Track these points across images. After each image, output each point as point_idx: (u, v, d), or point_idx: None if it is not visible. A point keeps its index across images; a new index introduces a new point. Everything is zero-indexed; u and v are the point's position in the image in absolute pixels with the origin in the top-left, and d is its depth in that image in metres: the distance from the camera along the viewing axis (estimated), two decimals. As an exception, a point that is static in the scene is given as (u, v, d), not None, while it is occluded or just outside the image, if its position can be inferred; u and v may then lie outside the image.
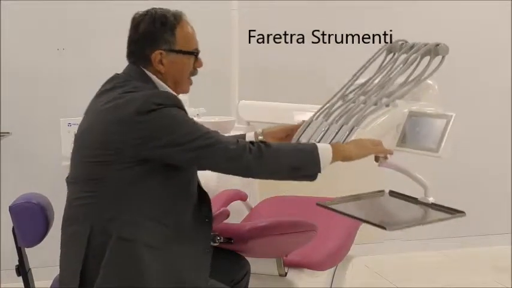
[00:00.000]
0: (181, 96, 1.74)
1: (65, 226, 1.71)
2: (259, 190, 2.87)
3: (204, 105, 2.66)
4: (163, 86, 1.73)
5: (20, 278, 1.89)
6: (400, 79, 1.97)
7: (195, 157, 1.63)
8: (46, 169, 3.06)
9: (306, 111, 2.67)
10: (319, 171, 1.69)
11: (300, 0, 3.34)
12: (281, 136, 2.04)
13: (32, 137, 3.11)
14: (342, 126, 1.87)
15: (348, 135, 1.82)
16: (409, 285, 3.21)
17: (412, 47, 1.98)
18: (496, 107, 3.72)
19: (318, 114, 2.03)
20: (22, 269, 1.85)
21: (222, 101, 2.92)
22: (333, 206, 1.88)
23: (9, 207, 1.81)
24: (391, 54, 2.07)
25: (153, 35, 1.71)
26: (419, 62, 1.95)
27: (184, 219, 1.70)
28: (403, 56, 1.99)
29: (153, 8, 1.75)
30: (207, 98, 2.72)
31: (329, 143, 1.76)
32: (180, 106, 1.65)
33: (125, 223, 1.62)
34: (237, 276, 1.96)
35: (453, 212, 1.79)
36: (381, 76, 2.02)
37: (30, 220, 1.78)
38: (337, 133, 1.85)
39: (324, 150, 1.71)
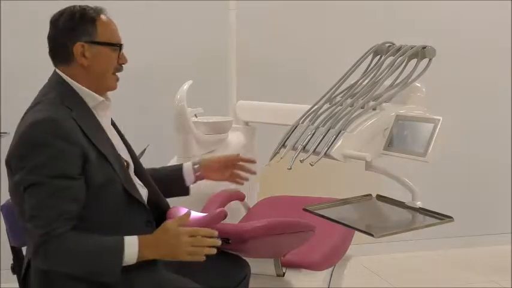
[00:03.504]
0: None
1: None
2: (257, 190, 2.87)
3: (201, 106, 2.65)
4: (82, 90, 1.70)
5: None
6: (387, 82, 1.96)
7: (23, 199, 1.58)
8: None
9: (303, 111, 2.67)
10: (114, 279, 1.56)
11: (298, 0, 3.34)
12: (218, 167, 2.05)
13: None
14: (329, 130, 1.86)
15: (335, 139, 1.81)
16: (407, 285, 3.21)
17: (399, 49, 1.98)
18: (496, 105, 3.72)
19: (303, 117, 2.02)
20: (17, 268, 1.84)
21: (220, 101, 2.91)
22: (321, 212, 1.87)
23: (1, 206, 1.81)
24: (378, 57, 2.07)
25: (73, 28, 1.69)
26: (406, 64, 1.94)
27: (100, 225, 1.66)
28: (390, 59, 1.98)
29: (72, 5, 1.73)
30: (205, 98, 2.72)
31: (137, 240, 1.58)
32: (59, 136, 1.58)
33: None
34: (236, 278, 1.95)
35: (441, 217, 1.78)
36: (368, 79, 2.01)
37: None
38: (323, 137, 1.85)
39: (129, 255, 1.57)
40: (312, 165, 1.78)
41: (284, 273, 2.11)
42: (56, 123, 1.60)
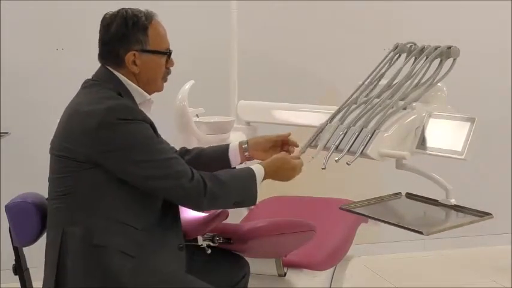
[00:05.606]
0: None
1: (47, 228, 1.74)
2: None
3: (203, 105, 2.66)
4: (132, 86, 1.73)
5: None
6: (412, 82, 1.96)
7: (147, 185, 1.64)
8: (45, 169, 3.05)
9: (305, 111, 2.68)
10: (254, 203, 1.78)
11: (300, 0, 3.34)
12: (266, 147, 1.99)
13: (31, 137, 3.11)
14: (362, 129, 1.85)
15: (370, 138, 1.81)
16: (408, 285, 3.21)
17: (422, 49, 1.97)
18: (495, 106, 3.72)
19: (331, 117, 2.01)
20: (19, 269, 1.85)
21: (221, 101, 2.92)
22: (358, 210, 1.87)
23: (5, 206, 1.81)
24: (398, 56, 2.06)
25: (125, 36, 1.71)
26: (430, 64, 1.94)
27: (153, 221, 1.70)
28: (413, 59, 1.98)
29: (123, 8, 1.74)
30: (206, 98, 2.72)
31: (262, 166, 1.80)
32: (141, 119, 1.65)
33: (95, 229, 1.63)
34: (236, 276, 1.96)
35: (480, 214, 1.79)
36: (395, 79, 2.00)
37: (24, 219, 1.78)
38: (357, 136, 1.84)
39: (259, 180, 1.77)
40: (348, 164, 1.78)
41: (285, 273, 2.12)
42: (134, 108, 1.67)
